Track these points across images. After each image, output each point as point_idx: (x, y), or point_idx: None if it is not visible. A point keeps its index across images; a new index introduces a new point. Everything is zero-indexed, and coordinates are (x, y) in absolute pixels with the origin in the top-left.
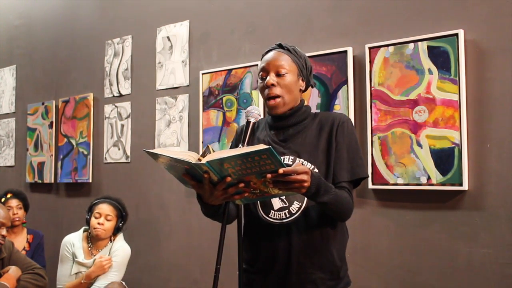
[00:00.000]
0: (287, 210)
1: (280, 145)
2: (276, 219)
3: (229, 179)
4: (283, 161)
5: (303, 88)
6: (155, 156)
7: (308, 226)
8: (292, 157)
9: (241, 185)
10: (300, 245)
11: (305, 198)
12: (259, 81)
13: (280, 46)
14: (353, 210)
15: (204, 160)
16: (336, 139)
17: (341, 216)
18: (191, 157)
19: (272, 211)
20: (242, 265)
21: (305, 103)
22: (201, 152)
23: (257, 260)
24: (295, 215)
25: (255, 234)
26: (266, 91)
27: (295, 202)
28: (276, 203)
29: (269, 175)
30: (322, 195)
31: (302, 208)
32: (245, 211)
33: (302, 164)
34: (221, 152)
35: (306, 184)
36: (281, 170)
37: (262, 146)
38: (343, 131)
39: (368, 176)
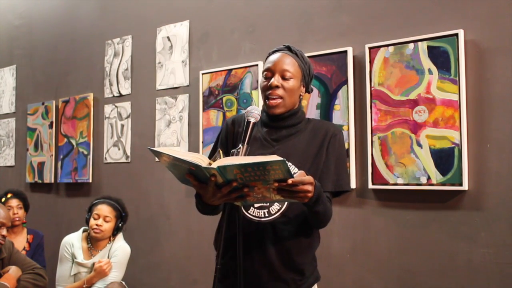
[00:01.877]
0: (267, 210)
1: (271, 143)
2: (255, 216)
3: (235, 183)
4: None
5: (302, 94)
6: (158, 154)
7: (284, 228)
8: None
9: (246, 189)
10: (274, 245)
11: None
12: (263, 79)
13: (288, 48)
14: (353, 210)
15: (214, 165)
16: (327, 149)
17: (322, 224)
18: (201, 160)
19: (252, 208)
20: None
21: (304, 105)
22: (201, 151)
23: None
24: (274, 216)
25: (232, 228)
26: (269, 91)
27: (276, 203)
28: None
29: (276, 184)
30: (319, 205)
31: (281, 211)
32: (228, 203)
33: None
34: (233, 158)
35: (309, 195)
36: (290, 181)
37: (276, 157)
38: (335, 144)
39: (350, 190)
